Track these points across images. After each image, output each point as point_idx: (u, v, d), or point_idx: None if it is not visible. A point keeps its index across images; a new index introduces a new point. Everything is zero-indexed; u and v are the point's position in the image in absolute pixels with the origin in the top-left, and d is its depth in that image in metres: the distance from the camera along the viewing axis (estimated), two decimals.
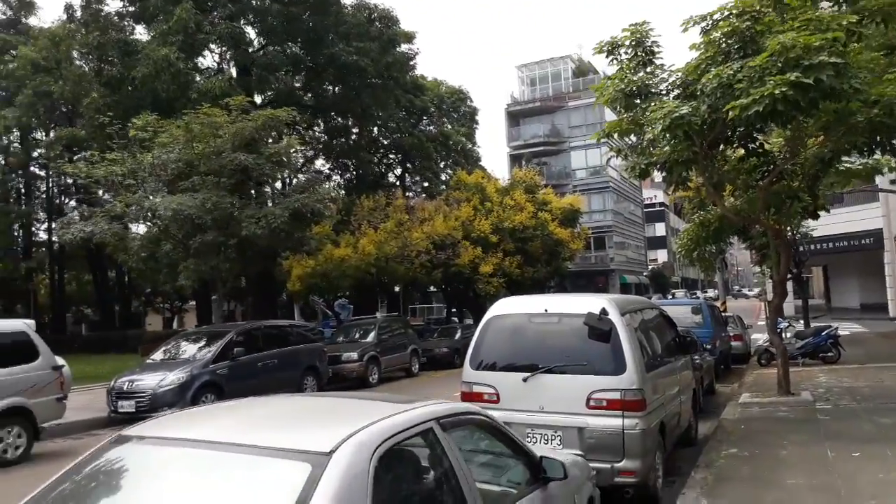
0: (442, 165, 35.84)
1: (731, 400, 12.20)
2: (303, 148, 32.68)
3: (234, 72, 28.25)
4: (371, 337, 18.53)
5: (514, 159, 62.86)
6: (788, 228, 12.76)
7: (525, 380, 6.29)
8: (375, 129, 31.58)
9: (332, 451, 2.46)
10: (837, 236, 35.67)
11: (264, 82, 26.13)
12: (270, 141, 17.41)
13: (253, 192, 17.65)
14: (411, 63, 29.97)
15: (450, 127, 36.58)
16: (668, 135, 10.56)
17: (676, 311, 17.95)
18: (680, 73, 9.95)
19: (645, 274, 74.06)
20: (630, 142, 11.73)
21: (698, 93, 9.15)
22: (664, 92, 10.45)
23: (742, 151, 11.70)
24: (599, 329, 6.14)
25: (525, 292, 46.93)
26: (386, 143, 32.99)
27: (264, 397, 3.79)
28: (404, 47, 30.15)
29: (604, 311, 6.24)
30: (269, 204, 17.84)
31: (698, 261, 13.48)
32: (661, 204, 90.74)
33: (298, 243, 17.61)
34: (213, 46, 27.05)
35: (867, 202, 36.03)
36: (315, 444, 2.52)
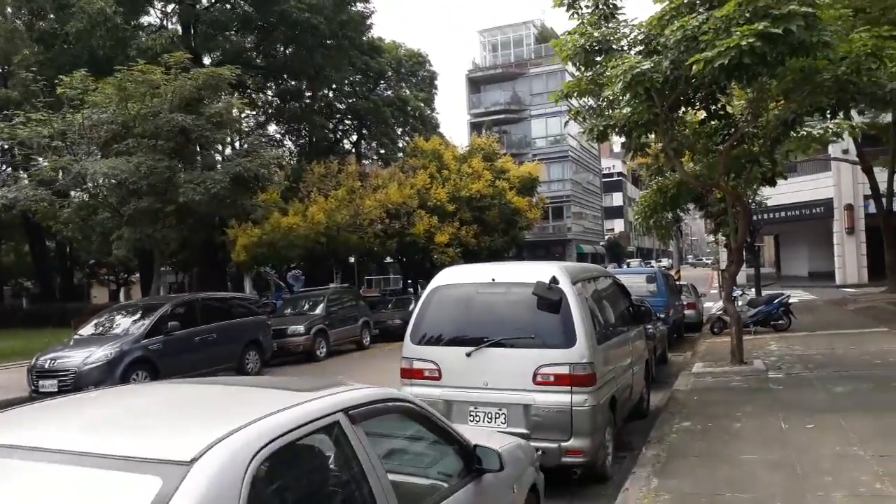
0: (399, 132, 34.93)
1: (683, 369, 12.04)
2: (254, 112, 31.50)
3: (179, 29, 26.78)
4: (319, 309, 17.87)
5: (474, 127, 62.03)
6: (749, 194, 12.52)
7: (469, 354, 5.82)
8: (330, 92, 30.43)
9: (193, 460, 1.95)
10: (790, 206, 36.25)
11: (210, 40, 24.79)
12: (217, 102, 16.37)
13: (199, 157, 16.63)
14: (367, 23, 28.84)
15: (408, 92, 35.62)
16: (628, 94, 10.15)
17: (631, 280, 17.82)
18: (643, 28, 9.45)
19: (602, 244, 74.76)
20: (589, 104, 11.25)
21: (661, 48, 8.68)
22: (626, 48, 9.96)
23: (703, 114, 11.37)
24: (549, 299, 5.69)
25: (481, 262, 46.77)
26: (341, 107, 31.91)
27: (141, 385, 3.21)
28: (360, 6, 29.00)
29: (554, 280, 5.79)
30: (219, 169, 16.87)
31: (654, 228, 13.20)
32: (619, 174, 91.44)
33: (242, 211, 16.73)
34: (156, 2, 25.54)
35: (820, 171, 36.65)
36: (173, 450, 2.01)
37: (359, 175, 23.27)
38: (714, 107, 10.61)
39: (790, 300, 16.74)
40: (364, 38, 30.30)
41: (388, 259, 31.38)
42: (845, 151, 32.17)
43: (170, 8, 25.85)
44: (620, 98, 10.94)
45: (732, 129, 10.74)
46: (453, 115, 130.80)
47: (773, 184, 13.90)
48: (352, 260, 27.28)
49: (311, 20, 22.36)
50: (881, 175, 25.99)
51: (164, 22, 27.28)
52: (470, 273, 6.57)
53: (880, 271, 35.25)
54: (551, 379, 5.58)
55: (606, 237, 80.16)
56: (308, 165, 24.49)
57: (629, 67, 8.44)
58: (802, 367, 10.68)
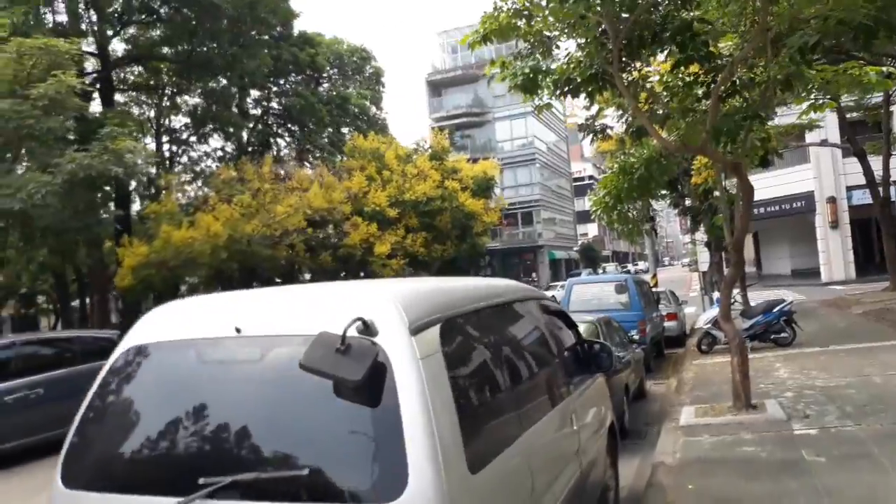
0: (345, 132, 31.53)
1: (668, 414, 8.80)
2: (177, 116, 27.95)
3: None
4: None
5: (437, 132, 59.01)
6: (749, 162, 9.32)
7: None
8: (258, 91, 26.89)
9: None
10: (769, 201, 33.80)
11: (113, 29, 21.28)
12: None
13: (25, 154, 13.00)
14: (291, 8, 25.47)
15: (351, 89, 32.28)
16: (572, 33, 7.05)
17: (597, 291, 14.69)
18: None
19: (575, 249, 72.05)
20: (518, 49, 8.02)
21: None
22: None
23: (669, 65, 8.21)
24: (343, 379, 2.34)
25: (433, 275, 43.36)
26: (273, 106, 28.48)
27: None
28: None
29: (365, 328, 2.45)
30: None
31: (619, 224, 9.96)
32: (591, 177, 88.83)
33: (89, 224, 13.06)
34: None
35: (798, 163, 34.20)
36: None
37: (274, 177, 19.81)
38: (691, 46, 7.41)
39: (793, 308, 13.61)
40: (294, 31, 27.01)
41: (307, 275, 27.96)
42: (824, 141, 29.72)
43: None
44: (559, 37, 7.77)
45: (719, 77, 7.57)
46: (415, 120, 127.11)
47: (765, 164, 10.87)
48: (278, 280, 23.74)
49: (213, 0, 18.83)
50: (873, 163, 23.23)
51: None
52: (194, 318, 2.98)
53: (868, 266, 32.83)
54: None
55: (580, 242, 77.41)
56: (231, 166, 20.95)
57: None
58: (837, 411, 7.45)
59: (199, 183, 20.77)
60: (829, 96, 8.09)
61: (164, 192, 17.23)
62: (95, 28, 23.66)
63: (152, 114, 29.22)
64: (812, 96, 9.34)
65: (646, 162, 9.17)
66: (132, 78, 27.56)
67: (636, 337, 11.02)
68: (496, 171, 26.97)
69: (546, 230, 60.63)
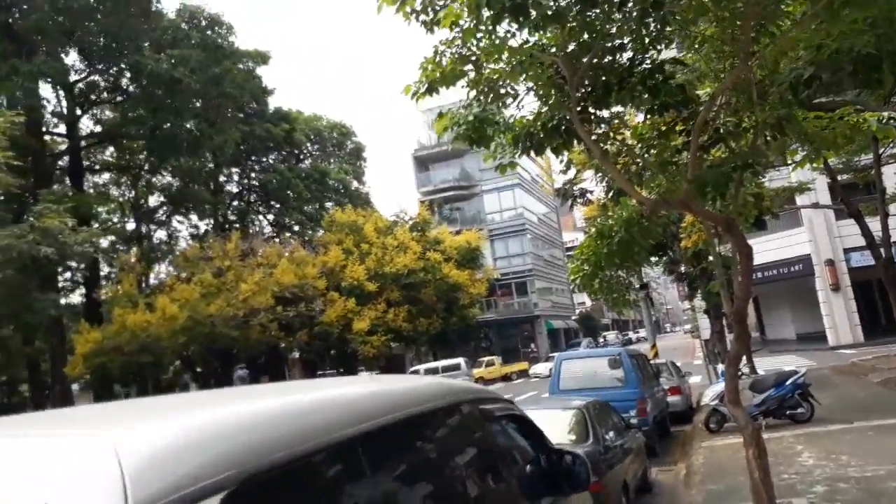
0: (329, 207, 30.73)
1: None
2: (153, 196, 27.16)
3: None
4: None
5: (426, 206, 58.65)
6: (743, 218, 8.17)
7: None
8: (233, 170, 26.15)
9: None
10: (766, 265, 32.86)
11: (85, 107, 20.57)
12: None
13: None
14: (265, 87, 25.06)
15: (332, 164, 31.71)
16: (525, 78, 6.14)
17: (589, 367, 13.28)
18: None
19: (573, 318, 70.55)
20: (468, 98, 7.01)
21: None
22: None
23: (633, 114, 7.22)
24: None
25: (419, 349, 41.59)
26: (248, 182, 27.75)
27: None
28: (261, 72, 25.39)
29: None
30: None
31: (602, 292, 8.73)
32: None
33: (16, 311, 11.73)
34: None
35: (791, 228, 33.47)
36: None
37: (241, 254, 18.67)
38: (665, 91, 6.41)
39: (807, 379, 12.20)
40: (270, 108, 26.59)
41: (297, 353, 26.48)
42: (816, 203, 29.03)
43: None
44: (510, 84, 6.79)
45: (702, 126, 6.53)
46: (403, 194, 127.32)
47: (761, 224, 9.79)
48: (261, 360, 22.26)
49: (172, 73, 18.19)
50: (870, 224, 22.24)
51: None
52: None
53: (874, 328, 31.48)
54: None
55: (577, 311, 75.96)
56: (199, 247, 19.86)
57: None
58: None
59: (166, 263, 19.58)
60: (822, 149, 7.06)
61: (122, 273, 16.04)
62: (65, 109, 23.19)
63: (133, 195, 28.53)
64: (805, 148, 8.31)
65: (625, 223, 8.02)
66: (107, 159, 26.94)
67: (633, 420, 9.58)
68: (481, 241, 25.96)
69: (542, 300, 59.37)
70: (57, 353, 17.12)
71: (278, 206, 27.83)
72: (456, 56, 6.54)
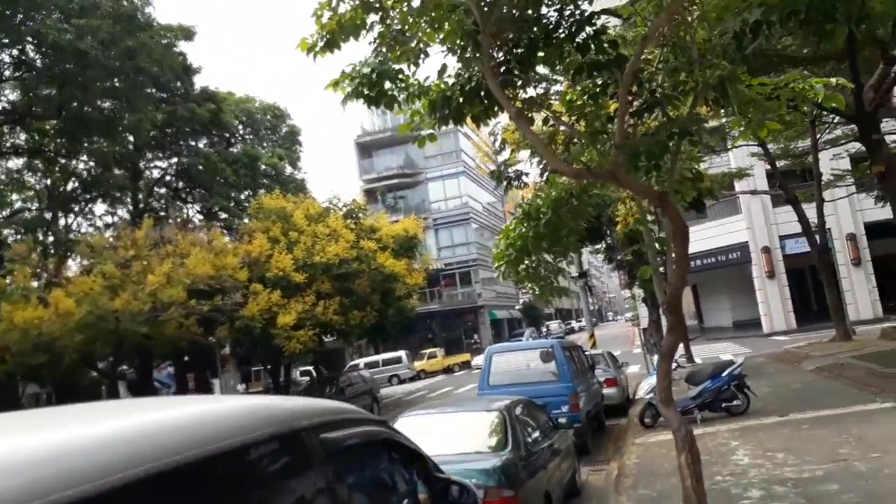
0: (261, 194, 29.18)
1: None
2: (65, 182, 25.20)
3: None
4: None
5: (369, 194, 57.27)
6: (680, 196, 7.46)
7: None
8: (153, 154, 24.33)
9: None
10: (704, 252, 33.10)
11: None
12: None
13: None
14: (189, 64, 23.39)
15: (264, 149, 30.17)
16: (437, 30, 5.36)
17: (520, 361, 12.58)
18: None
19: (517, 308, 70.50)
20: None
21: None
22: None
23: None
24: None
25: (359, 343, 40.39)
26: (169, 167, 26.04)
27: None
28: (182, 46, 23.71)
29: None
30: None
31: (528, 279, 7.91)
32: None
33: None
34: None
35: (730, 215, 33.80)
36: None
37: (152, 244, 17.20)
38: (596, 47, 5.62)
39: (743, 370, 11.77)
40: (194, 86, 24.93)
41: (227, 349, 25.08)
42: (755, 192, 29.27)
43: None
44: (423, 38, 5.92)
45: (634, 88, 5.77)
46: (344, 182, 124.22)
47: (698, 207, 9.22)
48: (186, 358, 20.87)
49: (77, 44, 16.52)
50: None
51: None
52: None
53: (806, 315, 32.11)
54: None
55: (521, 301, 76.04)
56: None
57: None
58: None
59: (72, 253, 17.91)
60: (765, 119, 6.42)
61: (12, 264, 14.52)
62: None
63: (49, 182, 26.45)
64: (747, 120, 7.66)
65: (553, 203, 7.26)
66: (18, 142, 24.83)
67: (563, 419, 8.87)
68: (419, 230, 25.01)
69: (486, 290, 58.98)
70: None
71: (204, 192, 26.17)
72: (356, 1, 5.62)
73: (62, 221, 26.09)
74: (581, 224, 7.80)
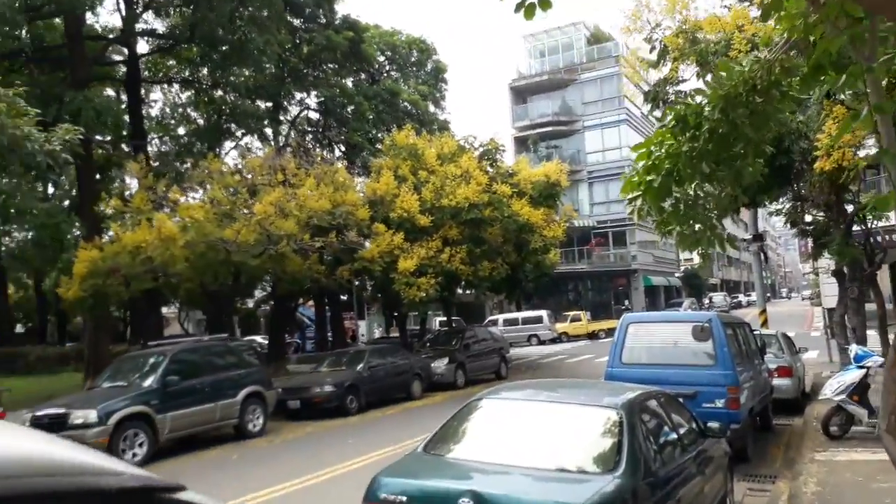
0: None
1: None
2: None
3: None
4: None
5: (520, 142, 54.75)
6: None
7: None
8: (273, 67, 23.38)
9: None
10: None
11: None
12: None
13: None
14: None
15: (407, 86, 28.74)
16: None
17: (665, 335, 9.82)
18: None
19: (677, 275, 64.97)
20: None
21: None
22: None
23: None
24: None
25: (479, 297, 38.51)
26: (300, 97, 25.32)
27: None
28: None
29: None
30: None
31: (675, 221, 5.24)
32: None
33: None
34: None
35: None
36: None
37: (268, 170, 16.19)
38: None
39: None
40: (336, 13, 23.80)
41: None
42: None
43: None
44: None
45: None
46: (496, 128, 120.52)
47: None
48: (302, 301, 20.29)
49: None
50: None
51: None
52: None
53: None
54: None
55: (682, 268, 70.06)
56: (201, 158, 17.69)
57: None
58: None
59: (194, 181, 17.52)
60: None
61: (123, 185, 14.27)
62: (122, 13, 21.50)
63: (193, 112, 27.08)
64: None
65: (723, 101, 4.63)
66: (165, 71, 25.37)
67: (714, 425, 6.28)
68: (562, 176, 22.31)
69: (642, 253, 54.64)
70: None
71: (342, 128, 25.26)
72: None
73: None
74: (765, 137, 5.04)
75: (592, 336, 39.78)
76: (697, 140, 4.87)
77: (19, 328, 41.03)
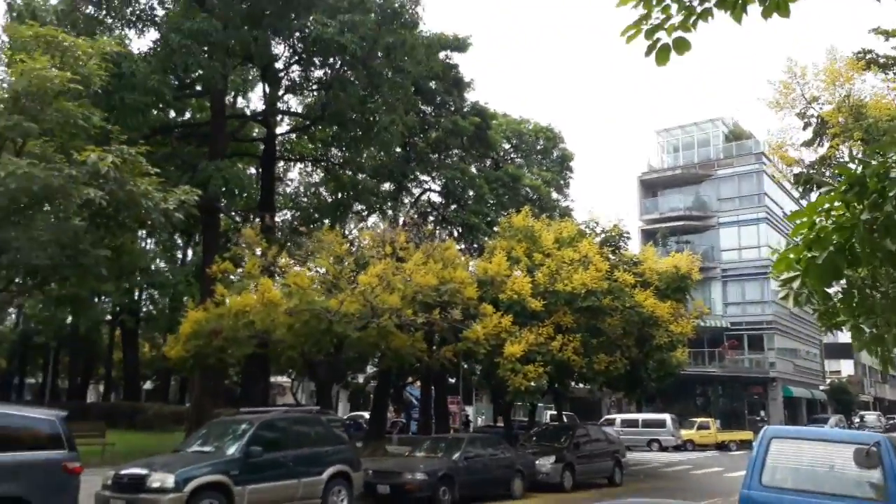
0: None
1: None
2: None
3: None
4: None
5: (647, 235, 52.52)
6: None
7: None
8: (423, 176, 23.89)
9: None
10: None
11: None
12: None
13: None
14: (460, 77, 22.60)
15: (532, 173, 28.43)
16: None
17: (817, 457, 8.02)
18: None
19: (822, 388, 58.23)
20: None
21: None
22: None
23: None
24: None
25: (595, 393, 35.74)
26: (427, 179, 25.58)
27: None
28: (455, 58, 23.13)
29: None
30: None
31: (848, 312, 3.96)
32: None
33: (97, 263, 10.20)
34: None
35: None
36: None
37: (379, 243, 15.92)
38: None
39: None
40: (466, 101, 24.23)
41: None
42: None
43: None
44: None
45: None
46: (622, 220, 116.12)
47: None
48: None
49: (339, 40, 16.19)
50: None
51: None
52: None
53: None
54: None
55: (828, 381, 62.79)
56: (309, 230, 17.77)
57: None
58: None
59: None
60: None
61: (237, 248, 14.52)
62: (265, 93, 23.06)
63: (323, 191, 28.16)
64: None
65: None
66: (299, 150, 26.72)
67: None
68: (694, 268, 20.51)
69: (781, 360, 49.61)
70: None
71: (458, 208, 25.17)
72: None
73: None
74: None
75: (722, 447, 35.92)
76: (881, 208, 3.68)
77: (148, 385, 43.49)
